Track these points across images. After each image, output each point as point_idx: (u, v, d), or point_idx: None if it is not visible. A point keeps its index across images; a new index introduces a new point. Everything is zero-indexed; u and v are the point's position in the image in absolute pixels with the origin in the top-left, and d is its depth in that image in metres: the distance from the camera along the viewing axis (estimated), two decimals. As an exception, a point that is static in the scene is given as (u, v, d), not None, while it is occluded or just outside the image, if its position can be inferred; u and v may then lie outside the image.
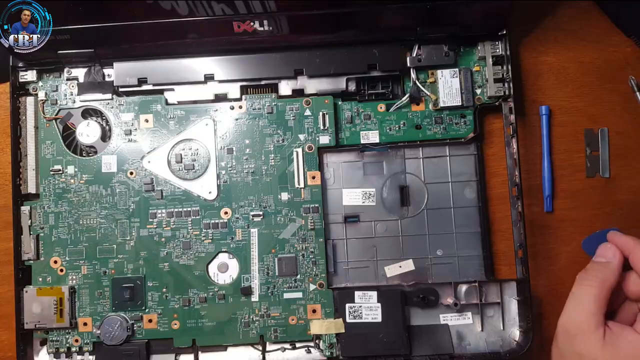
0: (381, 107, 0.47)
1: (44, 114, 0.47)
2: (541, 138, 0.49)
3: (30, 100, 0.47)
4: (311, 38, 0.46)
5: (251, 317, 0.45)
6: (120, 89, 0.47)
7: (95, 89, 0.47)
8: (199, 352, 0.46)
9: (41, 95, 0.47)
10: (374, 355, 0.45)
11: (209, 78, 0.47)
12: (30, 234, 0.46)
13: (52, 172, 0.46)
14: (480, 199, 0.47)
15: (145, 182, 0.46)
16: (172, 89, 0.47)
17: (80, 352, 0.45)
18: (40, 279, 0.45)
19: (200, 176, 0.46)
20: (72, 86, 0.47)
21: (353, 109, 0.47)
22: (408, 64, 0.47)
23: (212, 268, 0.46)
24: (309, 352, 0.45)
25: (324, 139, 0.46)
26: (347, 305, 0.45)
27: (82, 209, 0.46)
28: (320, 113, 0.46)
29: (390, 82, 0.48)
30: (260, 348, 0.45)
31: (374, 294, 0.45)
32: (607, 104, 0.49)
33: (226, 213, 0.46)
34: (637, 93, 0.48)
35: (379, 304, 0.45)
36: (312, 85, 0.47)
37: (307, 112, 0.46)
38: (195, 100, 0.47)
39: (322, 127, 0.46)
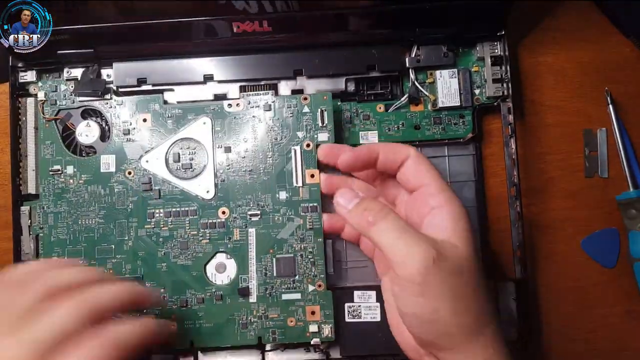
0: (380, 108, 0.47)
1: (43, 114, 0.47)
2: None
3: (30, 100, 0.47)
4: (311, 39, 0.46)
5: (249, 318, 0.45)
6: (120, 89, 0.47)
7: (94, 89, 0.47)
8: (198, 353, 0.45)
9: (41, 95, 0.47)
10: (373, 354, 0.44)
11: (208, 78, 0.47)
12: (29, 234, 0.46)
13: (51, 173, 0.46)
14: (479, 199, 0.47)
15: (143, 181, 0.46)
16: (172, 89, 0.47)
17: (79, 352, 0.45)
18: (39, 279, 0.45)
19: (198, 175, 0.46)
20: (72, 86, 0.47)
21: (352, 109, 0.47)
22: (407, 65, 0.47)
23: (210, 268, 0.46)
24: (308, 350, 0.45)
25: (323, 136, 0.46)
26: (346, 304, 0.45)
27: (81, 209, 0.46)
28: (319, 110, 0.46)
29: (389, 82, 0.48)
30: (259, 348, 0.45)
31: (373, 293, 0.45)
32: (606, 105, 0.49)
33: (224, 213, 0.46)
34: (610, 106, 0.48)
35: (378, 304, 0.45)
36: (311, 86, 0.47)
37: (306, 109, 0.46)
38: (195, 100, 0.47)
39: (320, 125, 0.46)
